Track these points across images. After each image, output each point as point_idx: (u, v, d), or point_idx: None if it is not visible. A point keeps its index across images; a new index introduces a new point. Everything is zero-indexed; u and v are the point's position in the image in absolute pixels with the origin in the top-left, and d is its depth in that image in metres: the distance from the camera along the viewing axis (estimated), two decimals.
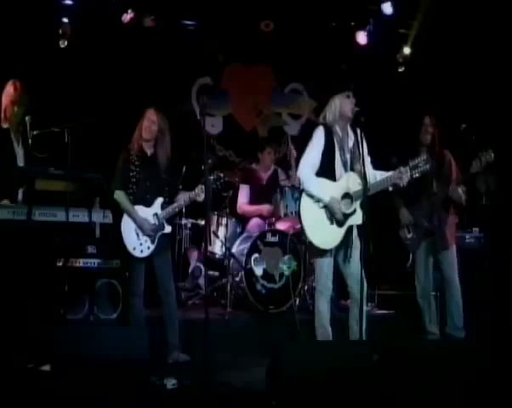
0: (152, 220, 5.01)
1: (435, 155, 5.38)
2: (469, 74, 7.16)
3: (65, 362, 3.79)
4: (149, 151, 5.10)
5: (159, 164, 5.07)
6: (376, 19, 7.46)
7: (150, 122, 5.03)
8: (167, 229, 5.09)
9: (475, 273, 5.99)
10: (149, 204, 5.05)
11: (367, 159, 4.74)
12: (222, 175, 5.08)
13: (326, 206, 4.62)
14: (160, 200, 5.07)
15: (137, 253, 4.99)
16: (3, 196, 5.02)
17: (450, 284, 5.38)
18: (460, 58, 7.23)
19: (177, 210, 5.19)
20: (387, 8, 7.31)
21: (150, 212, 5.03)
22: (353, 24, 7.67)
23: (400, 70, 7.91)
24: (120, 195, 5.02)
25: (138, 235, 5.00)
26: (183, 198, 5.11)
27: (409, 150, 5.46)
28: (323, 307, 4.71)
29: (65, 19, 6.83)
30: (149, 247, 5.02)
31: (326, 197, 4.60)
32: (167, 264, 5.16)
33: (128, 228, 5.00)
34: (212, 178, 5.02)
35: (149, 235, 5.00)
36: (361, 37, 7.63)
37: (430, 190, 5.35)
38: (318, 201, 4.63)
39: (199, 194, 5.01)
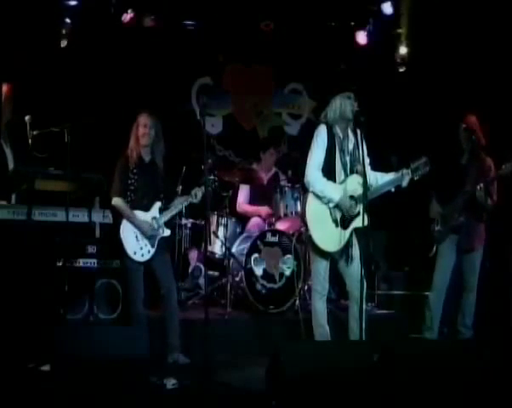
0: (152, 224, 5.03)
1: (479, 160, 5.37)
2: (469, 74, 7.15)
3: (65, 362, 3.79)
4: (147, 158, 5.11)
5: (157, 169, 5.09)
6: (376, 19, 7.46)
7: (147, 128, 5.04)
8: (167, 232, 5.13)
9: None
10: (147, 209, 5.06)
11: (367, 160, 4.73)
12: (216, 178, 5.26)
13: (336, 206, 4.63)
14: (158, 204, 5.09)
15: (138, 257, 5.00)
16: (0, 198, 5.02)
17: (468, 286, 5.42)
18: (460, 57, 7.22)
19: (174, 213, 5.25)
20: (387, 8, 7.32)
21: (148, 217, 5.05)
22: (353, 24, 7.67)
23: (400, 70, 7.91)
24: (118, 201, 5.03)
25: (138, 239, 5.00)
26: (180, 202, 5.15)
27: (451, 152, 5.48)
28: (320, 306, 4.74)
29: (68, 20, 6.83)
30: (149, 251, 5.03)
31: (336, 196, 4.61)
32: (168, 265, 5.17)
33: (127, 232, 5.00)
34: (209, 178, 5.11)
35: (149, 238, 5.00)
36: (361, 37, 7.64)
37: (464, 189, 5.34)
38: (328, 201, 4.64)
39: (195, 195, 5.10)
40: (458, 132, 5.41)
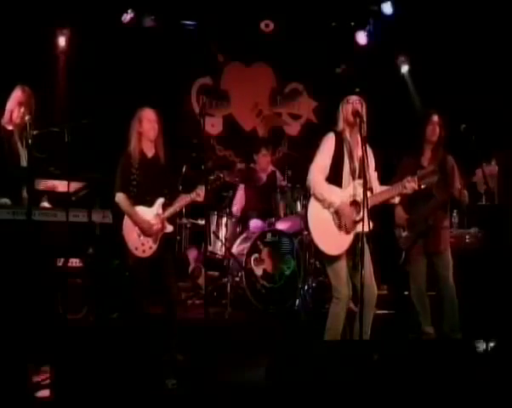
0: (154, 220, 5.01)
1: (438, 157, 5.37)
2: (469, 74, 7.16)
3: (65, 362, 3.79)
4: (149, 153, 5.09)
5: (160, 165, 5.07)
6: (376, 19, 7.47)
7: (153, 122, 5.02)
8: (169, 228, 5.09)
9: (475, 273, 5.98)
10: (150, 205, 5.05)
11: (374, 174, 4.74)
12: (222, 175, 5.10)
13: (336, 212, 4.60)
14: (161, 200, 5.06)
15: (139, 253, 4.98)
16: (4, 195, 5.01)
17: (445, 285, 5.38)
18: (460, 58, 7.23)
19: (178, 210, 5.20)
20: (387, 8, 7.33)
21: (151, 213, 5.03)
22: (353, 24, 7.68)
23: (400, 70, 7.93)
24: (120, 198, 5.02)
25: (139, 235, 4.99)
26: (184, 199, 5.11)
27: (413, 148, 5.45)
28: (338, 311, 4.63)
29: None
30: (151, 247, 5.00)
31: (336, 201, 4.59)
32: (169, 264, 5.14)
33: (129, 228, 4.99)
34: (211, 177, 5.04)
35: (150, 236, 4.99)
36: (361, 37, 7.65)
37: (429, 192, 5.33)
38: (328, 206, 4.61)
39: (199, 193, 5.03)
40: (427, 127, 5.39)
